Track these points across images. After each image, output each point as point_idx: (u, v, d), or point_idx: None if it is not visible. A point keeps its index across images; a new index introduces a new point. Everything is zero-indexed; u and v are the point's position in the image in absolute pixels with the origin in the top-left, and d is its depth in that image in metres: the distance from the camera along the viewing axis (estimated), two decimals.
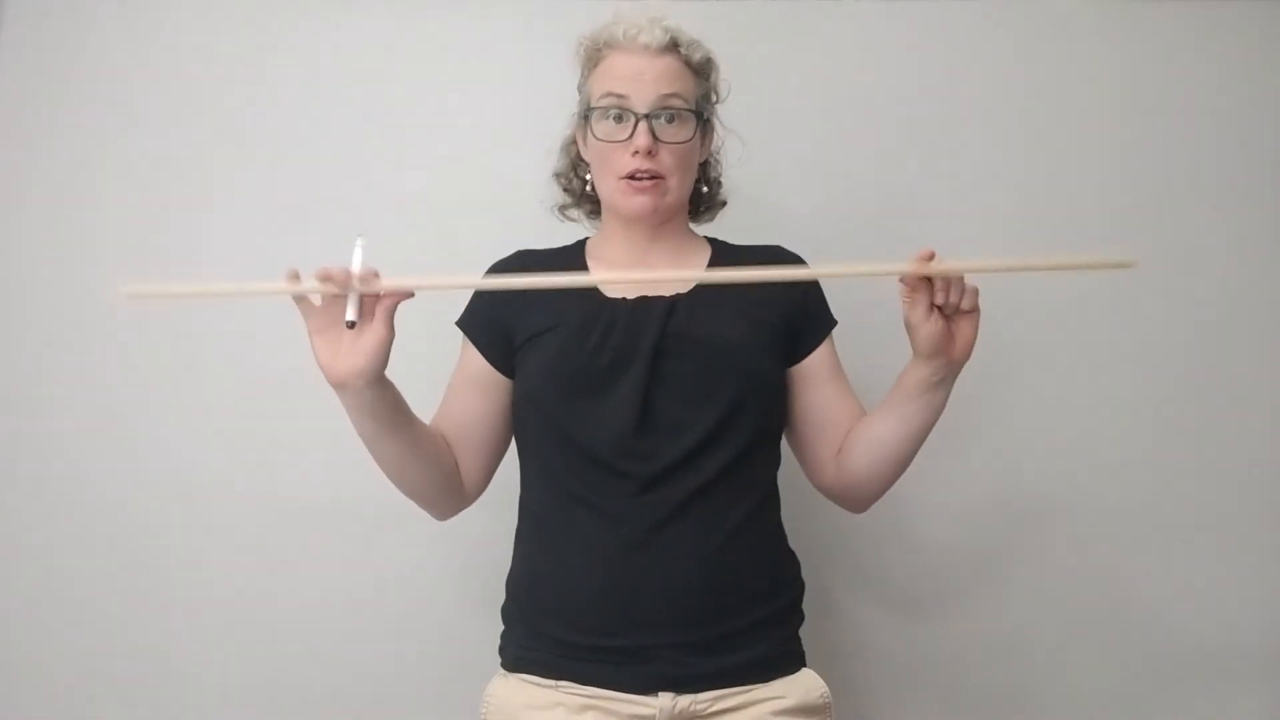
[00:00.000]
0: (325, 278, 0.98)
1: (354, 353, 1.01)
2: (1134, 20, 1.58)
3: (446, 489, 1.17)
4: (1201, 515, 1.55)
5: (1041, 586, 1.53)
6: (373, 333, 1.00)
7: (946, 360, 1.04)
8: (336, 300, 0.99)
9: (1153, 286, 1.52)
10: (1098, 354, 1.56)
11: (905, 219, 1.54)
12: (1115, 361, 1.55)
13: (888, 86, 1.57)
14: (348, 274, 0.99)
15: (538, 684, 1.10)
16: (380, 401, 1.05)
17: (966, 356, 1.05)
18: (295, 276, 0.99)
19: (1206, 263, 1.57)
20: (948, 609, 1.54)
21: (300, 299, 1.00)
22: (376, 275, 1.00)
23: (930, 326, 1.02)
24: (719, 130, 1.23)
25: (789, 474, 1.21)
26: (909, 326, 1.03)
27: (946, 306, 1.02)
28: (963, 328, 1.03)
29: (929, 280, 1.00)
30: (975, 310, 1.03)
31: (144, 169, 1.54)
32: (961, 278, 1.01)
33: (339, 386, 1.03)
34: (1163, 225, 1.56)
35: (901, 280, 1.01)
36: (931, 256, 0.99)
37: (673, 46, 1.13)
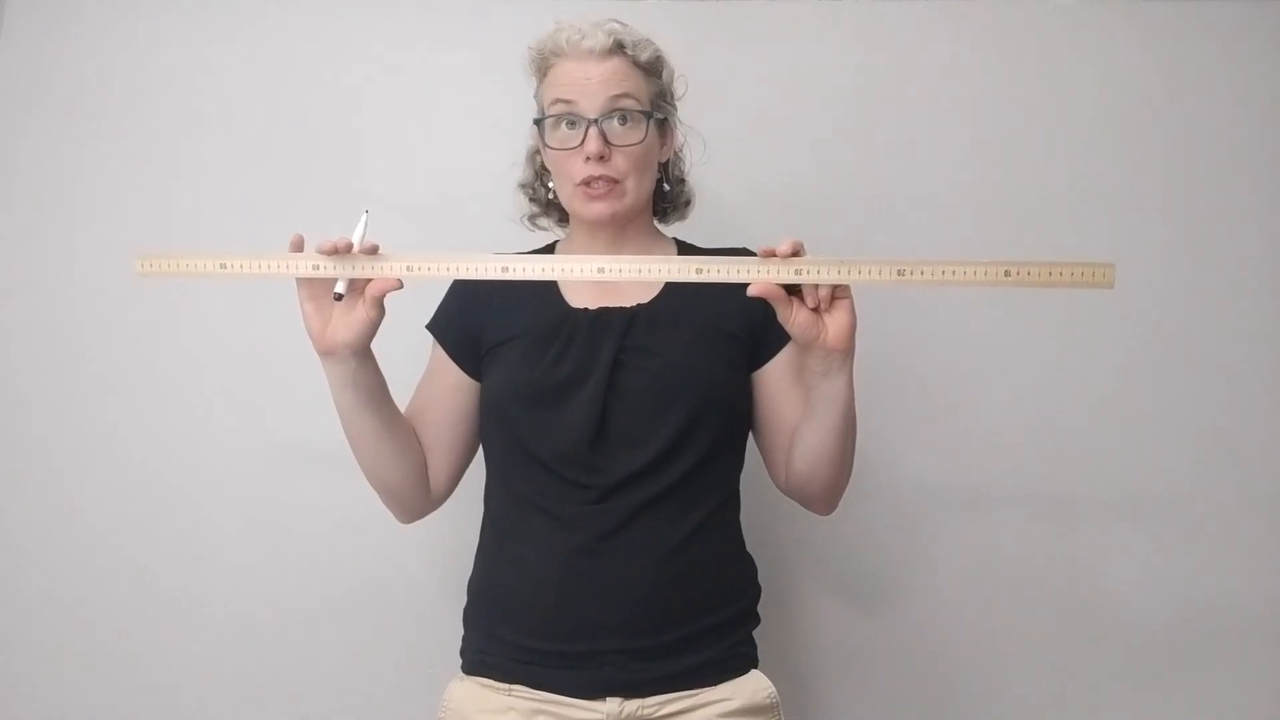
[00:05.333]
0: (329, 249, 1.01)
1: (342, 325, 1.03)
2: (1115, 19, 1.55)
3: (416, 482, 1.17)
4: (1155, 505, 1.53)
5: (994, 580, 1.54)
6: (362, 310, 1.03)
7: (822, 350, 1.01)
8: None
9: (1128, 276, 1.45)
10: (1058, 343, 1.54)
11: (873, 217, 1.53)
12: (1075, 350, 1.54)
13: (856, 85, 1.56)
14: (349, 245, 1.01)
15: (492, 688, 1.12)
16: (362, 373, 1.07)
17: (844, 344, 1.00)
18: (299, 245, 1.03)
19: (1180, 259, 1.54)
20: (906, 604, 1.54)
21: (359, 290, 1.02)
22: (376, 249, 1.02)
23: (796, 315, 0.99)
24: (680, 129, 1.22)
25: (749, 476, 1.20)
26: (779, 319, 1.01)
27: (809, 299, 0.99)
28: (834, 315, 1.00)
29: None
30: (847, 298, 1.00)
31: (144, 166, 1.57)
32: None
33: (325, 354, 1.05)
34: (1138, 224, 1.53)
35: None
36: (771, 253, 0.98)
37: (618, 48, 1.12)
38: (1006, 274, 0.99)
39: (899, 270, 0.99)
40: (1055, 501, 1.54)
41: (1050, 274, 0.99)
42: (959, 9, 1.56)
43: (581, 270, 1.04)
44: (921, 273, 0.99)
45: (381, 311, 1.05)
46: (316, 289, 1.05)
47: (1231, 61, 1.54)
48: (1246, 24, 1.54)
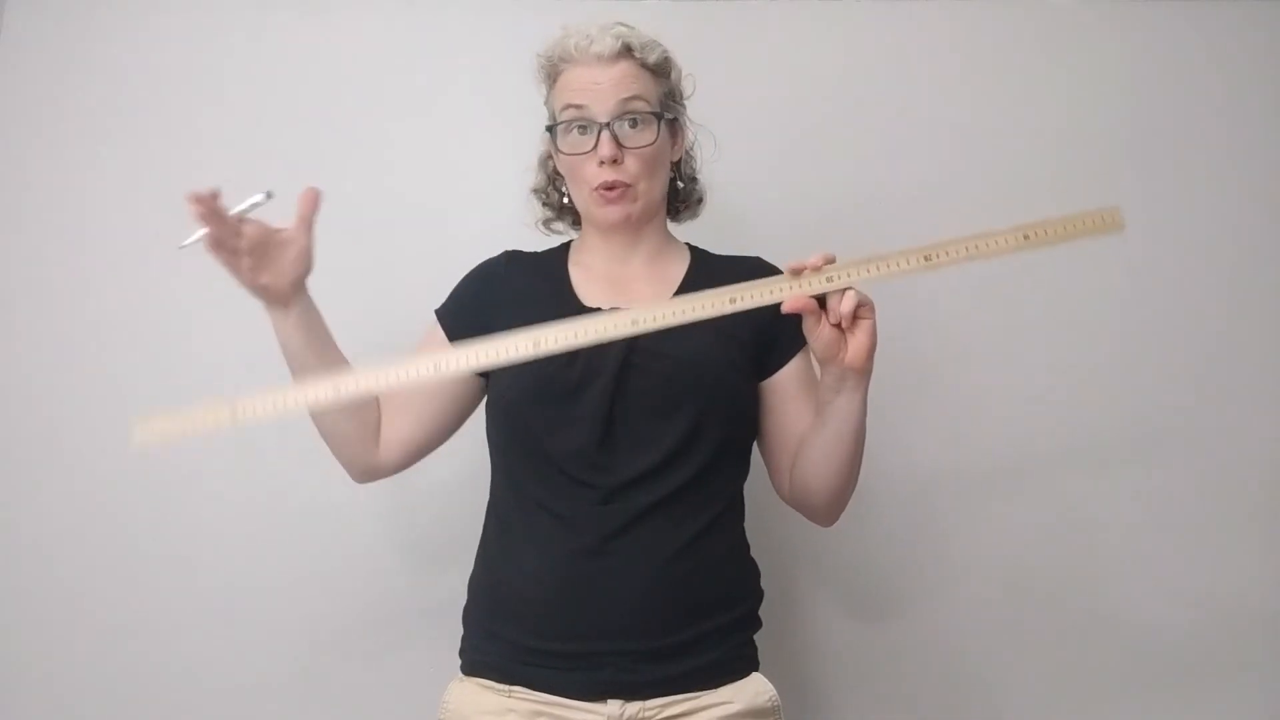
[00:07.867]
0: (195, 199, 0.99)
1: (278, 272, 1.06)
2: (1124, 18, 1.59)
3: (364, 439, 1.18)
4: (1165, 508, 1.55)
5: (997, 584, 1.54)
6: (291, 243, 1.06)
7: (840, 368, 1.02)
8: (226, 234, 1.02)
9: (1131, 277, 1.52)
10: (1066, 347, 1.56)
11: (883, 209, 1.54)
12: (1081, 346, 1.56)
13: (864, 81, 1.58)
14: (215, 194, 1.00)
15: (492, 689, 1.11)
16: (308, 314, 1.11)
17: (862, 364, 1.01)
18: (208, 200, 1.00)
19: (1190, 260, 1.56)
20: (907, 608, 1.55)
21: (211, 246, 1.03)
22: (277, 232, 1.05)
23: (819, 332, 1.00)
24: (690, 128, 1.22)
25: (753, 481, 1.21)
26: (804, 331, 1.02)
27: (831, 315, 0.99)
28: (856, 335, 1.00)
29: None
30: (869, 319, 1.00)
31: (142, 166, 1.55)
32: (844, 289, 0.98)
33: (272, 303, 1.09)
34: (1149, 220, 1.54)
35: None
36: (801, 270, 0.98)
37: (626, 51, 1.14)
38: (1026, 238, 1.01)
39: (926, 256, 1.00)
40: (1060, 506, 1.55)
41: (1065, 228, 1.02)
42: (968, 7, 1.58)
43: (615, 326, 1.01)
44: (947, 254, 1.01)
45: (309, 237, 1.07)
46: (232, 256, 1.04)
47: (1231, 61, 1.59)
48: (1250, 22, 1.58)
